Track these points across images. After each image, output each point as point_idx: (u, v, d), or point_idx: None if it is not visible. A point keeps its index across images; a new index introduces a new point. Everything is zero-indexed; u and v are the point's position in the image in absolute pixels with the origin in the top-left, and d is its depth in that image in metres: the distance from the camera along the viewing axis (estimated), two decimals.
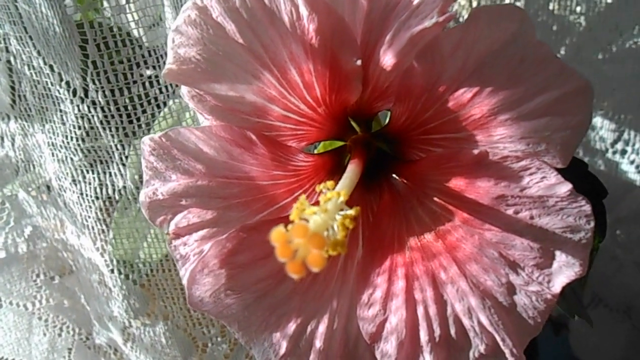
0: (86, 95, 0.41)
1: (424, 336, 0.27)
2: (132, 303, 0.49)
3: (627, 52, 0.54)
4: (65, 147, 0.44)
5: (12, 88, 0.44)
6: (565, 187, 0.25)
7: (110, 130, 0.42)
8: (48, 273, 0.56)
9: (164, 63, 0.27)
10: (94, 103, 0.41)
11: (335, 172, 0.31)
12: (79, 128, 0.42)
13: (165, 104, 0.43)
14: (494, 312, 0.26)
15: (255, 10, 0.25)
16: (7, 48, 0.42)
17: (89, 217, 0.46)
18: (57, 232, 0.53)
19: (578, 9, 0.54)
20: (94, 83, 0.40)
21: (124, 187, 0.45)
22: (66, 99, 0.41)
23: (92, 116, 0.41)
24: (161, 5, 0.41)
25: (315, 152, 0.33)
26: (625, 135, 0.56)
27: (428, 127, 0.27)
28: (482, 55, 0.24)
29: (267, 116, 0.28)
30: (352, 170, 0.27)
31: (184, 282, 0.30)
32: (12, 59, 0.42)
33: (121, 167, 0.44)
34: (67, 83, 0.40)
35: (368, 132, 0.31)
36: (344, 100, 0.28)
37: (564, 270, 0.25)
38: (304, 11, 0.25)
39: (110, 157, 0.44)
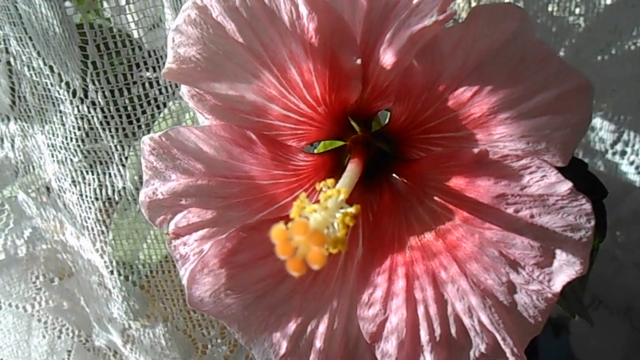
0: (86, 96, 0.41)
1: (424, 336, 0.27)
2: (132, 304, 0.49)
3: (627, 54, 0.54)
4: (65, 148, 0.44)
5: (12, 89, 0.44)
6: (566, 186, 0.25)
7: (110, 131, 0.42)
8: (47, 275, 0.55)
9: (164, 64, 0.27)
10: (93, 104, 0.41)
11: (335, 171, 0.31)
12: (79, 129, 0.42)
13: (165, 104, 0.43)
14: (495, 311, 0.26)
15: (255, 10, 0.25)
16: (7, 49, 0.42)
17: (89, 218, 0.46)
18: (56, 234, 0.53)
19: (577, 10, 0.54)
20: (93, 84, 0.40)
21: (124, 188, 0.45)
22: (66, 99, 0.41)
23: (92, 117, 0.41)
24: (161, 6, 0.41)
25: (315, 151, 0.33)
26: (625, 136, 0.56)
27: (428, 126, 0.27)
28: (482, 54, 0.25)
29: (267, 115, 0.28)
30: (352, 169, 0.27)
31: (184, 282, 0.30)
32: (12, 60, 0.42)
33: (121, 168, 0.44)
34: (67, 84, 0.40)
35: (368, 131, 0.31)
36: (344, 100, 0.28)
37: (565, 269, 0.25)
38: (303, 10, 0.25)
39: (110, 158, 0.44)
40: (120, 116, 0.42)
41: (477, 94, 0.25)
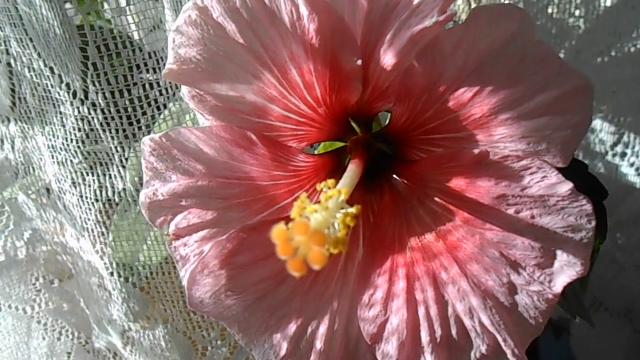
0: (86, 97, 0.41)
1: (425, 337, 0.27)
2: (132, 306, 0.49)
3: (627, 56, 0.54)
4: (65, 150, 0.44)
5: (12, 90, 0.44)
6: (566, 187, 0.25)
7: (110, 132, 0.42)
8: (47, 276, 0.55)
9: (164, 65, 0.27)
10: (94, 105, 0.41)
11: (335, 172, 0.31)
12: (79, 130, 0.42)
13: (165, 106, 0.43)
14: (495, 312, 0.26)
15: (256, 11, 0.25)
16: (7, 50, 0.42)
17: (89, 219, 0.46)
18: (56, 235, 0.52)
19: (577, 12, 0.54)
20: (94, 85, 0.40)
21: (124, 189, 0.45)
22: (66, 101, 0.41)
23: (92, 118, 0.41)
24: (161, 7, 0.41)
25: (316, 152, 0.33)
26: (625, 138, 0.56)
27: (428, 127, 0.27)
28: (482, 55, 0.25)
29: (267, 116, 0.28)
30: (352, 170, 0.27)
31: (184, 283, 0.30)
32: (12, 61, 0.42)
33: (121, 169, 0.44)
34: (67, 85, 0.40)
35: (368, 132, 0.31)
36: (344, 101, 0.28)
37: (566, 270, 0.25)
38: (304, 11, 0.25)
39: (110, 159, 0.44)
40: (120, 117, 0.42)
41: (478, 94, 0.25)
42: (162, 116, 0.43)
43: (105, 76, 0.40)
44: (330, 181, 0.25)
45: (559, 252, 0.25)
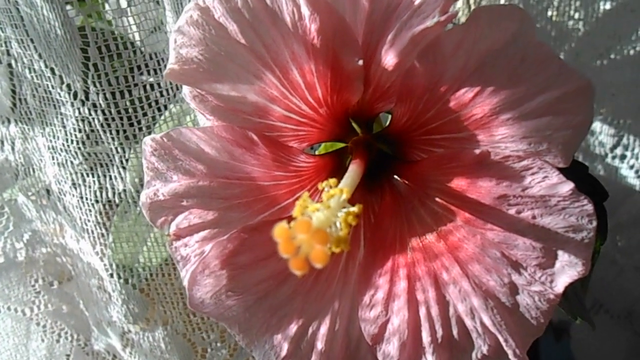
0: (87, 98, 0.41)
1: (426, 337, 0.27)
2: (132, 308, 0.49)
3: (626, 58, 0.54)
4: (66, 151, 0.44)
5: (13, 91, 0.44)
6: (567, 187, 0.25)
7: (111, 133, 0.42)
8: (47, 278, 0.55)
9: (165, 67, 0.27)
10: (94, 106, 0.41)
11: (336, 173, 0.31)
12: (80, 131, 0.42)
13: (166, 107, 0.43)
14: (497, 313, 0.26)
15: (257, 11, 0.25)
16: (8, 51, 0.42)
17: (89, 221, 0.46)
18: (56, 237, 0.52)
19: (576, 15, 0.54)
20: (94, 86, 0.40)
21: (124, 190, 0.44)
22: (67, 101, 0.41)
23: (93, 119, 0.41)
24: (162, 9, 0.41)
25: (317, 153, 0.33)
26: (625, 140, 0.56)
27: (429, 127, 0.27)
28: (482, 55, 0.25)
29: (268, 116, 0.28)
30: (354, 170, 0.27)
31: (185, 283, 0.30)
32: (13, 62, 0.42)
33: (121, 170, 0.44)
34: (68, 86, 0.41)
35: (369, 133, 0.31)
36: (346, 101, 0.28)
37: (567, 270, 0.25)
38: (305, 11, 0.25)
39: (111, 161, 0.44)
40: (121, 118, 0.42)
41: (479, 95, 0.25)
42: (162, 117, 0.43)
43: (106, 77, 0.40)
44: (332, 180, 0.25)
45: (560, 253, 0.25)
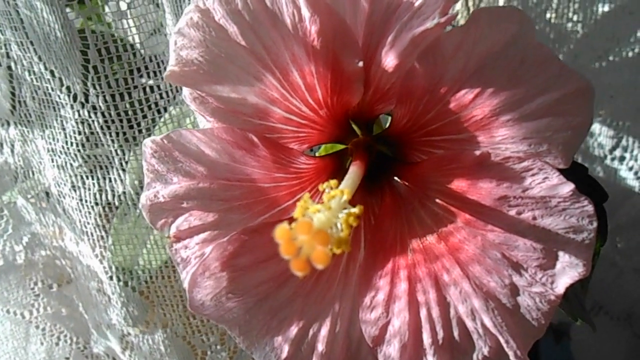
0: (87, 101, 0.41)
1: (427, 339, 0.27)
2: (131, 310, 0.49)
3: (624, 60, 0.54)
4: (65, 153, 0.44)
5: (12, 94, 0.44)
6: (568, 188, 0.25)
7: (111, 136, 0.42)
8: (46, 281, 0.55)
9: (165, 69, 0.27)
10: (94, 108, 0.41)
11: (336, 174, 0.31)
12: (79, 133, 0.42)
13: (165, 109, 0.43)
14: (498, 314, 0.26)
15: (258, 13, 0.25)
16: (7, 54, 0.42)
17: (88, 223, 0.46)
18: (55, 240, 0.52)
19: (575, 17, 0.55)
20: (94, 88, 0.40)
21: (124, 192, 0.44)
22: (66, 104, 0.41)
23: (93, 121, 0.41)
24: (162, 12, 0.41)
25: (317, 154, 0.33)
26: (624, 142, 0.56)
27: (430, 128, 0.27)
28: (482, 57, 0.25)
29: (268, 118, 0.28)
30: (354, 171, 0.27)
31: (185, 285, 0.30)
32: (12, 64, 0.42)
33: (121, 172, 0.44)
34: (68, 88, 0.41)
35: (369, 135, 0.31)
36: (346, 103, 0.28)
37: (568, 271, 0.25)
38: (306, 13, 0.25)
39: (110, 163, 0.44)
40: (120, 121, 0.42)
41: (479, 96, 0.25)
42: (162, 120, 0.43)
43: (106, 79, 0.40)
44: (333, 182, 0.25)
45: (560, 254, 0.25)
